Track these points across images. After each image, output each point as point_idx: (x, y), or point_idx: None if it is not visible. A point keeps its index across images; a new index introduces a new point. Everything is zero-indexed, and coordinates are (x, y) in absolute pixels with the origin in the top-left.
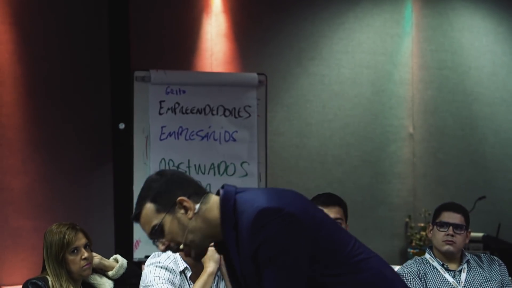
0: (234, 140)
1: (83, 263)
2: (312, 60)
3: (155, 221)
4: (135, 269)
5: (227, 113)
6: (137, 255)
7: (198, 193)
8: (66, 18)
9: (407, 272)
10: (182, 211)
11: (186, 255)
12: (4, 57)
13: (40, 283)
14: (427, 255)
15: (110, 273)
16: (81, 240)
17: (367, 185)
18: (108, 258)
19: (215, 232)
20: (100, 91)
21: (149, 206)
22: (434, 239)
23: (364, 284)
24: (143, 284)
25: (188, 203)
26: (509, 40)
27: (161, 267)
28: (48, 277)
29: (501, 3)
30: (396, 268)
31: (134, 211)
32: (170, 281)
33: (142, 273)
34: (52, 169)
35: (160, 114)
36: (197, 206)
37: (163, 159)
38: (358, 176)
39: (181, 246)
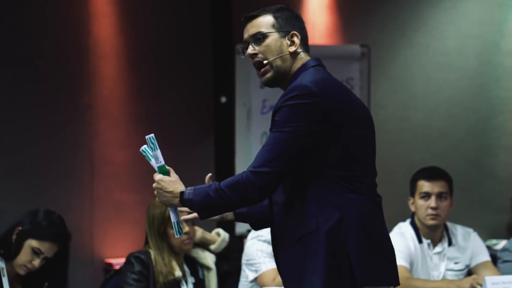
0: None
1: (184, 237)
2: (417, 30)
3: (264, 30)
4: (237, 243)
5: None
6: (239, 229)
7: (305, 44)
8: None
9: None
10: (289, 42)
11: (261, 74)
12: (106, 30)
13: (142, 257)
14: None
15: (212, 246)
16: (183, 214)
17: (473, 158)
18: (210, 231)
19: (287, 79)
20: (203, 64)
21: (268, 17)
22: None
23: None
24: (245, 258)
25: (298, 40)
26: None
27: (264, 241)
28: (150, 250)
29: None
30: (503, 242)
31: (252, 13)
32: (272, 255)
33: (245, 246)
34: (157, 141)
35: (261, 87)
36: (300, 49)
37: (265, 132)
38: (464, 149)
39: (265, 62)
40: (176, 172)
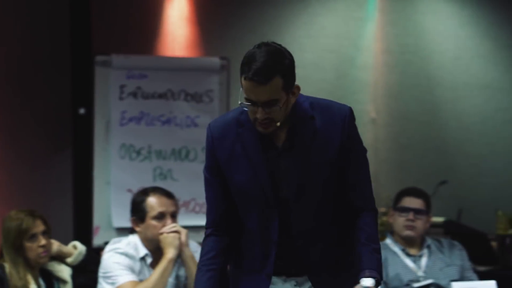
0: (196, 125)
1: (40, 250)
2: None
3: (276, 96)
4: (94, 256)
5: (188, 98)
6: (97, 241)
7: None
8: (25, 1)
9: None
10: (292, 96)
11: (264, 128)
12: None
13: None
14: (387, 240)
15: (68, 260)
16: (39, 227)
17: None
18: (67, 244)
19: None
20: (61, 75)
21: (278, 80)
22: (395, 224)
23: None
24: (102, 271)
25: (299, 92)
26: (473, 24)
27: (121, 253)
28: (5, 264)
29: None
30: None
31: (261, 74)
32: (129, 268)
33: (101, 259)
34: (10, 154)
35: (121, 99)
36: None
37: (124, 144)
38: None
39: (278, 123)
40: (33, 187)
